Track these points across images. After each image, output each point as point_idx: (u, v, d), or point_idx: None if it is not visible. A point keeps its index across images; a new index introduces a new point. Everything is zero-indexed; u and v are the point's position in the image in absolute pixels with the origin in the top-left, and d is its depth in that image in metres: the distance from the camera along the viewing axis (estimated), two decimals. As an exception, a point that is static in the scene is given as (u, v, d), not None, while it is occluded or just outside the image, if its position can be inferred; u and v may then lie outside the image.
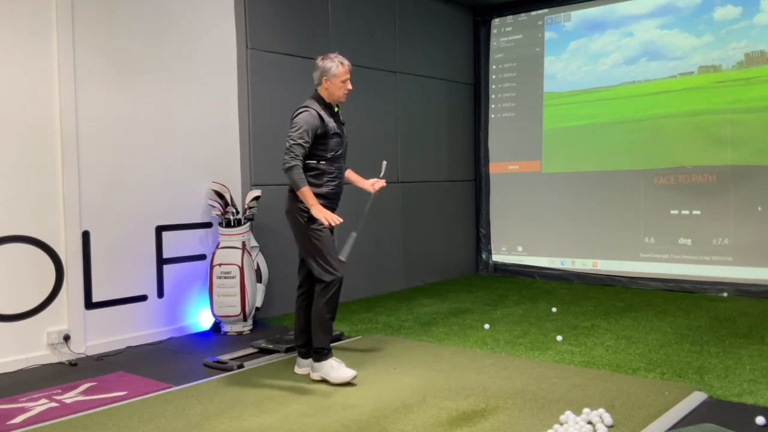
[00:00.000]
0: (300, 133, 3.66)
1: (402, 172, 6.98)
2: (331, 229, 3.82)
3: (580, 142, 7.25)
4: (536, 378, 3.80)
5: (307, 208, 3.69)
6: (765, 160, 6.13)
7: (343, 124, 3.91)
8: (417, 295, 6.60)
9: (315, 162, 3.75)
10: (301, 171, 3.65)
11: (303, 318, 3.94)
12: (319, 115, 3.72)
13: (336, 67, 3.76)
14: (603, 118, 7.09)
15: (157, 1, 5.06)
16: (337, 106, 3.89)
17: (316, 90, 3.85)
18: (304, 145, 3.66)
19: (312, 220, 3.70)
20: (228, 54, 5.51)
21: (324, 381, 3.75)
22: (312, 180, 3.73)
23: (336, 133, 3.79)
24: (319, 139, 3.72)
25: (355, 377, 3.69)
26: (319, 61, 3.82)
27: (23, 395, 3.74)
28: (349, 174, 4.10)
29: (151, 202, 5.02)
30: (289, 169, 3.64)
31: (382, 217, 6.75)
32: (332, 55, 3.82)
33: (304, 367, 3.96)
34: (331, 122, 3.77)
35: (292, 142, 3.65)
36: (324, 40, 6.17)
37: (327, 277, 3.72)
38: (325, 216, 3.64)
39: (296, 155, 3.64)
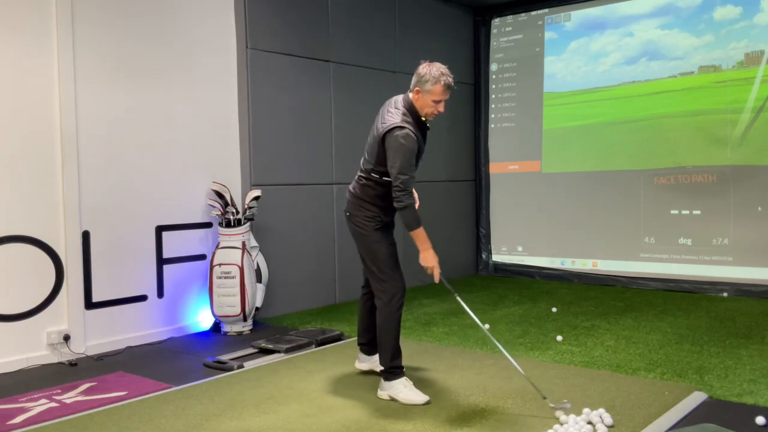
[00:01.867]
0: (405, 165, 3.29)
1: (402, 172, 6.97)
2: (389, 229, 3.64)
3: (580, 142, 7.25)
4: (536, 378, 3.79)
5: (375, 214, 3.51)
6: (765, 160, 6.13)
7: (428, 128, 3.58)
8: (417, 295, 6.59)
9: (389, 178, 3.43)
10: (416, 209, 3.36)
11: (366, 318, 3.80)
12: (417, 139, 3.36)
13: (433, 82, 3.33)
14: (603, 118, 7.09)
15: (157, 1, 5.06)
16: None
17: (409, 95, 3.46)
18: (413, 175, 3.34)
19: (380, 228, 3.54)
20: (228, 54, 5.51)
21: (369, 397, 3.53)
22: (384, 195, 3.48)
23: (422, 152, 3.48)
24: None
25: (428, 402, 3.39)
26: (421, 67, 3.39)
27: (23, 395, 3.74)
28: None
29: (151, 202, 5.02)
30: (403, 209, 3.34)
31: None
32: (437, 66, 3.38)
33: (364, 362, 3.88)
34: (421, 142, 3.44)
35: (402, 177, 3.29)
36: (324, 40, 6.17)
37: (387, 291, 3.49)
38: (434, 265, 3.43)
39: (408, 191, 3.31)
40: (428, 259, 3.44)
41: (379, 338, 3.52)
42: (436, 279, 3.46)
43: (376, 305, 3.70)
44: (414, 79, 3.41)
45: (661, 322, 5.16)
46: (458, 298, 3.53)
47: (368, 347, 3.89)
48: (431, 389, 3.60)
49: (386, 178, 3.45)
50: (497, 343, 3.60)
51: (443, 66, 3.41)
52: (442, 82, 3.34)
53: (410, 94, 3.45)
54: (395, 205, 3.39)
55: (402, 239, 6.99)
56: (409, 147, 3.31)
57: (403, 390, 3.44)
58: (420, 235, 3.41)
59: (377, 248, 3.56)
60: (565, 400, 3.25)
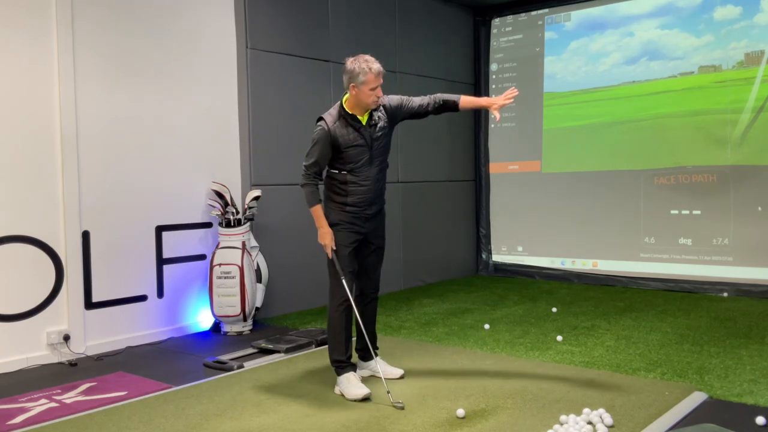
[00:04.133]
0: (311, 152, 3.57)
1: (402, 172, 6.98)
2: (347, 230, 3.67)
3: (580, 142, 7.25)
4: (536, 378, 3.80)
5: (326, 213, 3.63)
6: (765, 160, 6.13)
7: (375, 125, 3.64)
8: (417, 295, 6.59)
9: (337, 172, 3.63)
10: (314, 189, 3.57)
11: (359, 324, 3.84)
12: (331, 132, 3.54)
13: (364, 73, 3.47)
14: (603, 118, 7.09)
15: (157, 0, 5.06)
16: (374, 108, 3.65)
17: (343, 95, 3.64)
18: (319, 161, 3.57)
19: (330, 227, 3.64)
20: (228, 54, 5.51)
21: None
22: (337, 189, 3.63)
23: (355, 145, 3.59)
24: (335, 152, 3.59)
25: (366, 396, 3.48)
26: (348, 64, 3.54)
27: (23, 395, 3.74)
28: (465, 100, 3.82)
29: (151, 202, 5.02)
30: (302, 186, 3.60)
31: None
32: (362, 58, 3.52)
33: (363, 369, 3.89)
34: (349, 135, 3.56)
35: (309, 160, 3.58)
36: (324, 40, 6.18)
37: (332, 292, 3.68)
38: (326, 243, 3.60)
39: (309, 173, 3.56)
40: (323, 236, 3.62)
41: (327, 332, 3.75)
42: (329, 255, 3.64)
43: (366, 309, 3.81)
44: (345, 78, 3.54)
45: (661, 322, 5.16)
46: (344, 282, 3.62)
47: (363, 352, 3.89)
48: (431, 389, 3.60)
49: (332, 170, 3.66)
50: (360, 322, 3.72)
51: (368, 55, 3.56)
52: (373, 70, 3.48)
53: (344, 96, 3.61)
54: (300, 182, 3.61)
55: (400, 240, 7.01)
56: (319, 136, 3.55)
57: (346, 386, 3.56)
58: (315, 213, 3.61)
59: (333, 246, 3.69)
60: (400, 401, 3.35)
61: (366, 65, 3.48)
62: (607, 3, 7.07)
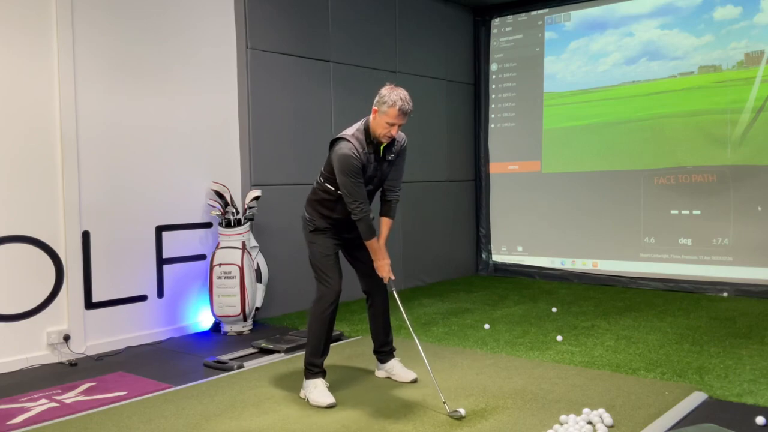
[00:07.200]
0: (352, 185, 3.38)
1: (402, 172, 6.97)
2: (329, 235, 3.63)
3: (580, 142, 7.25)
4: (536, 378, 3.80)
5: (311, 218, 3.60)
6: (765, 160, 6.13)
7: (387, 160, 3.56)
8: (417, 295, 6.59)
9: (334, 189, 3.51)
10: (371, 222, 3.45)
11: (371, 323, 3.83)
12: (363, 161, 3.41)
13: (389, 105, 3.34)
14: (603, 118, 7.09)
15: (157, 0, 5.06)
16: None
17: (369, 117, 3.49)
18: (359, 183, 3.40)
19: (313, 231, 3.61)
20: (228, 54, 5.51)
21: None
22: (326, 203, 3.55)
23: (370, 177, 3.51)
24: None
25: (330, 405, 3.40)
26: (383, 88, 3.42)
27: (23, 395, 3.74)
28: (384, 227, 3.70)
29: (151, 202, 5.02)
30: (358, 221, 3.45)
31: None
32: (398, 92, 3.37)
33: (380, 370, 3.88)
34: (370, 164, 3.47)
35: (354, 194, 3.39)
36: (324, 40, 6.18)
37: (317, 291, 3.57)
38: (383, 275, 3.56)
39: (362, 207, 3.40)
40: (380, 268, 3.57)
41: (307, 333, 3.63)
42: (386, 277, 3.60)
43: (375, 311, 3.78)
44: (375, 99, 3.43)
45: (661, 322, 5.16)
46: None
47: (380, 354, 3.88)
48: (431, 389, 3.60)
49: (327, 185, 3.53)
50: (415, 336, 3.61)
51: (405, 93, 3.42)
52: (398, 107, 3.34)
53: (371, 116, 3.47)
54: (352, 217, 3.47)
55: (400, 240, 7.02)
56: (349, 163, 3.36)
57: (313, 391, 3.50)
58: (372, 246, 3.52)
59: (310, 249, 3.65)
60: (460, 408, 3.24)
61: (396, 99, 3.34)
62: (607, 3, 7.07)
